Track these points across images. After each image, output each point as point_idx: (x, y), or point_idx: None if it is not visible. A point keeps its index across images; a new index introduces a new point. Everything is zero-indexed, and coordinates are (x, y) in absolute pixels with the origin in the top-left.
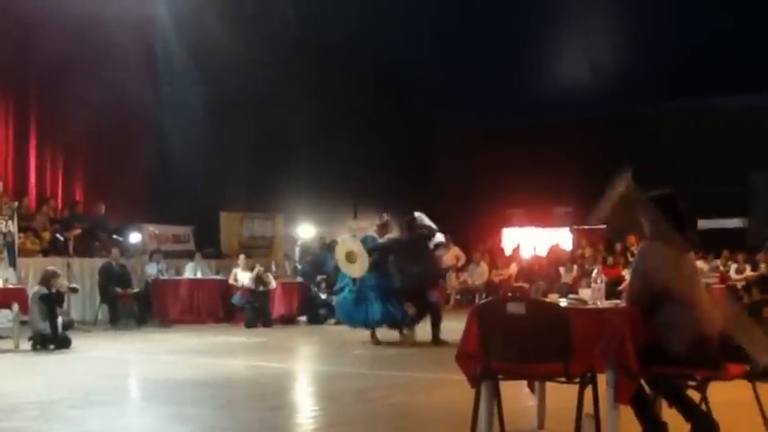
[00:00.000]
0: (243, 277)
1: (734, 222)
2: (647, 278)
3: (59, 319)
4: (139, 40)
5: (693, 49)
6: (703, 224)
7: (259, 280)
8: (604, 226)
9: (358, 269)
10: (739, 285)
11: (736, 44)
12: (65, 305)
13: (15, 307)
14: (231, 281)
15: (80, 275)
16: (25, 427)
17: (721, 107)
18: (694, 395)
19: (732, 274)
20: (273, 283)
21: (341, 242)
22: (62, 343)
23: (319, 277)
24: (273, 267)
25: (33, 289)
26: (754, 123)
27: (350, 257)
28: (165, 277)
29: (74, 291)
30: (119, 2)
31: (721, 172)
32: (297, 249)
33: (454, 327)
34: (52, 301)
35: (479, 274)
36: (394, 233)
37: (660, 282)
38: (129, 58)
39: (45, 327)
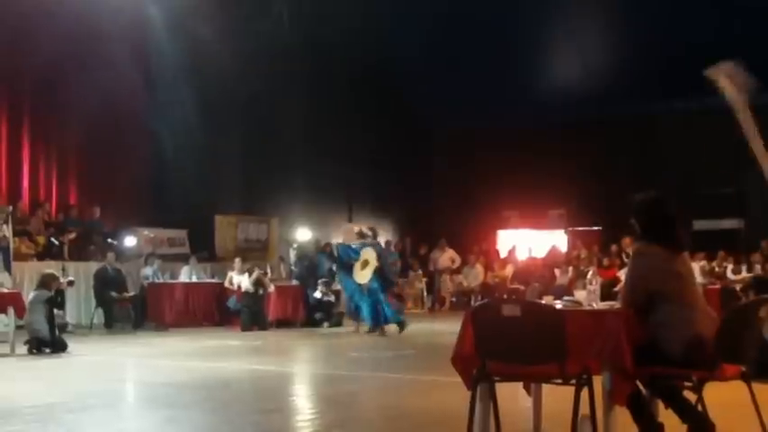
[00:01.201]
0: (239, 280)
1: (729, 223)
2: (641, 279)
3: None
4: (133, 43)
5: (686, 48)
6: (699, 225)
7: (259, 283)
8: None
9: (367, 275)
10: (737, 287)
11: (730, 44)
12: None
13: (11, 311)
14: (227, 284)
15: (75, 279)
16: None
17: (715, 107)
18: (690, 396)
19: (728, 275)
20: (272, 287)
21: (363, 253)
22: (58, 347)
23: (321, 280)
24: (269, 270)
25: (34, 293)
26: None
27: (363, 266)
28: (161, 281)
29: (71, 284)
30: (112, 5)
31: (716, 173)
32: (292, 252)
33: (450, 329)
34: (56, 303)
35: (474, 276)
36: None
37: (655, 282)
38: (123, 61)
39: (46, 330)
